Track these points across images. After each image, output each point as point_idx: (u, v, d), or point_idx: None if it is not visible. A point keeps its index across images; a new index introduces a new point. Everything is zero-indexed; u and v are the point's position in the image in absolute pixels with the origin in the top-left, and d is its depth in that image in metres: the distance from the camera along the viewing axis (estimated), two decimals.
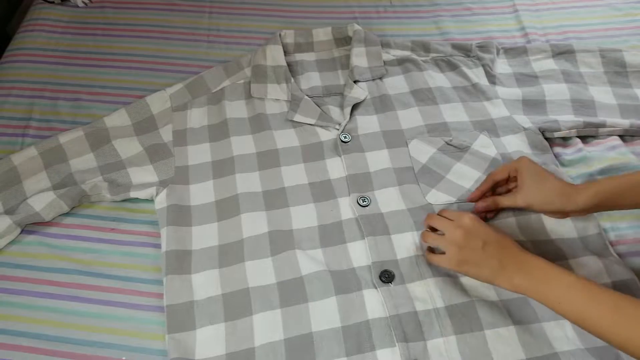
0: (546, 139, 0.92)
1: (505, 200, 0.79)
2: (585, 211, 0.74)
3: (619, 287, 0.75)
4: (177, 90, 0.99)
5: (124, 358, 0.74)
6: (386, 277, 0.76)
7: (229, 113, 0.97)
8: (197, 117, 0.97)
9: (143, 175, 0.90)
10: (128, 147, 0.93)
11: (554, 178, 0.76)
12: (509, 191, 0.82)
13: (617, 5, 1.18)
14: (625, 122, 0.93)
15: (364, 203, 0.84)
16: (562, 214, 0.76)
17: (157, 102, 0.98)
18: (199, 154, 0.92)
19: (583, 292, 0.60)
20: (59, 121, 1.01)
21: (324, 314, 0.73)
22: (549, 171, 0.77)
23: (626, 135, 0.94)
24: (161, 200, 0.86)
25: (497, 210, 0.82)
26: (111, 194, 0.88)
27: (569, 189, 0.74)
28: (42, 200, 0.85)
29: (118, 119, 0.96)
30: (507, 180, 0.81)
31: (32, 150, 0.91)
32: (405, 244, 0.80)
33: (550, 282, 0.63)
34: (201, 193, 0.87)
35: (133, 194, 0.88)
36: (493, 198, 0.80)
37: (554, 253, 0.78)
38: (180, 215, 0.85)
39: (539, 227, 0.81)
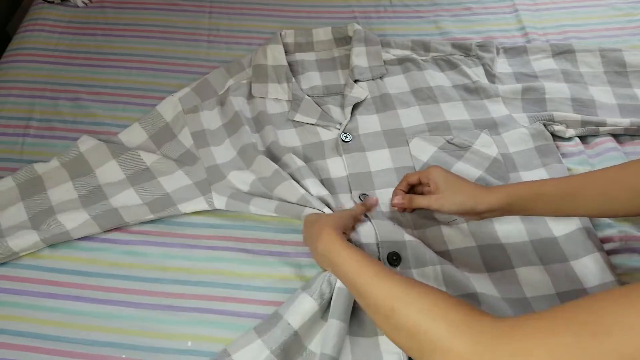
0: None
1: (421, 200, 0.79)
2: (497, 212, 0.74)
3: (564, 297, 0.74)
4: (186, 94, 0.99)
5: (124, 356, 0.74)
6: (394, 259, 0.77)
7: (236, 106, 0.96)
8: (210, 119, 0.96)
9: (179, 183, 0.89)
10: (149, 157, 0.92)
11: (466, 182, 0.76)
12: (422, 193, 0.83)
13: (617, 5, 1.17)
14: (625, 121, 0.93)
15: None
16: (474, 214, 0.76)
17: (169, 109, 0.97)
18: (224, 151, 0.92)
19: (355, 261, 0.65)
20: (60, 121, 1.01)
21: None
22: (461, 177, 0.78)
23: (626, 135, 0.94)
24: (220, 202, 0.86)
25: (413, 208, 0.83)
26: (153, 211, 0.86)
27: (480, 191, 0.74)
28: (74, 219, 0.84)
29: (132, 133, 0.95)
30: (421, 183, 0.82)
31: (55, 162, 0.92)
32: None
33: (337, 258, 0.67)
34: (241, 178, 0.88)
35: (181, 208, 0.86)
36: (410, 196, 0.81)
37: (501, 259, 0.79)
38: (241, 195, 0.86)
39: (489, 231, 0.81)
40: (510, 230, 0.81)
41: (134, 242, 0.85)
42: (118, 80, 1.08)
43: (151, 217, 0.86)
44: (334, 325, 0.69)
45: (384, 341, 0.71)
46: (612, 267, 0.76)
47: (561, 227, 0.81)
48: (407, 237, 0.79)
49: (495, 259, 0.78)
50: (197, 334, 0.75)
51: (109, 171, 0.90)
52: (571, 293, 0.75)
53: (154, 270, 0.82)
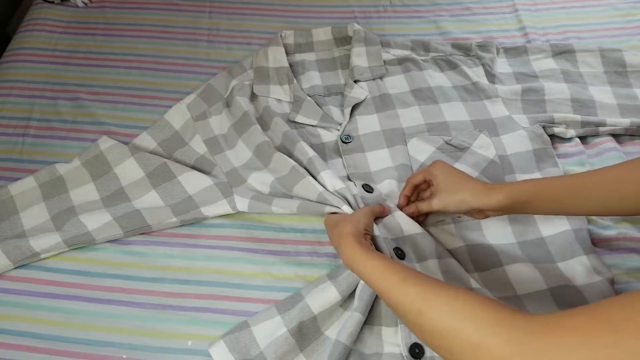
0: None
1: (424, 206, 0.78)
2: (500, 210, 0.72)
3: (556, 292, 0.74)
4: (193, 101, 0.98)
5: (124, 356, 0.74)
6: (399, 253, 0.77)
7: (244, 105, 0.96)
8: (220, 123, 0.96)
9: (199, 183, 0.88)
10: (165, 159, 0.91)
11: (468, 179, 0.75)
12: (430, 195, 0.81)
13: (617, 5, 1.17)
14: (625, 121, 0.93)
15: (369, 189, 0.85)
16: (478, 213, 0.75)
17: (177, 117, 0.97)
18: (239, 153, 0.92)
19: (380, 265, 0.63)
20: (60, 121, 1.01)
21: None
22: (465, 173, 0.77)
23: (626, 135, 0.94)
24: (243, 204, 0.85)
25: (426, 215, 0.82)
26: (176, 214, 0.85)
27: (482, 189, 0.72)
28: (95, 219, 0.83)
29: (142, 142, 0.95)
30: (427, 183, 0.81)
31: (76, 162, 0.92)
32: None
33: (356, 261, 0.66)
34: (261, 179, 0.87)
35: (204, 211, 0.85)
36: (415, 204, 0.80)
37: (489, 258, 0.78)
38: (262, 197, 0.85)
39: (477, 232, 0.81)
40: (497, 232, 0.81)
41: (134, 242, 0.85)
42: (118, 80, 1.08)
43: (174, 219, 0.84)
44: (355, 317, 0.70)
45: (386, 332, 0.72)
46: (602, 270, 0.76)
47: (550, 229, 0.81)
48: (405, 233, 0.79)
49: (484, 259, 0.78)
50: (197, 333, 0.75)
51: (129, 168, 0.90)
52: (563, 288, 0.75)
53: (154, 270, 0.82)
